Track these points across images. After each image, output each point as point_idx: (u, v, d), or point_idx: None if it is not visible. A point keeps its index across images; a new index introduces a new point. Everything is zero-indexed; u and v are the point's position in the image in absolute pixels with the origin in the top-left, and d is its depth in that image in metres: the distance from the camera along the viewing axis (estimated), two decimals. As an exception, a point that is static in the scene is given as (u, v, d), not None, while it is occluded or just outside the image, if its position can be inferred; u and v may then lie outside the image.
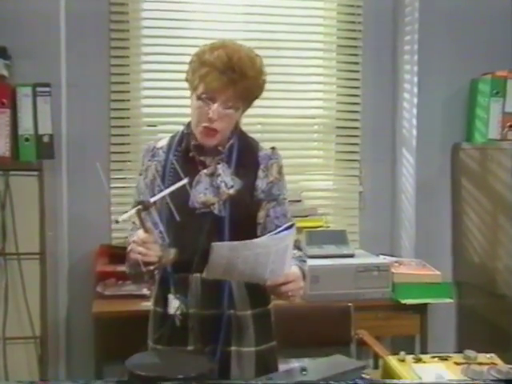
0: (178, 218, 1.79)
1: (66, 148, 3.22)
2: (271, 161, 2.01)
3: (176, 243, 1.85)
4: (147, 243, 1.77)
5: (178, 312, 1.90)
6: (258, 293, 1.94)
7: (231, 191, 1.93)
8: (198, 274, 1.90)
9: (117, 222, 1.74)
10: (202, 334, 1.93)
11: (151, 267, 1.79)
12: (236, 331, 1.95)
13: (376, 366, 2.81)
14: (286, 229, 1.76)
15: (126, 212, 1.73)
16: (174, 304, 1.91)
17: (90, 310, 2.82)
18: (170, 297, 1.92)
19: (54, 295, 3.06)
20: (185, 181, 1.81)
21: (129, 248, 1.88)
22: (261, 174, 1.98)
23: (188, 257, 1.89)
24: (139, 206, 1.72)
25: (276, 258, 1.73)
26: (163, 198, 1.80)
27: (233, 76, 1.85)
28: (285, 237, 1.74)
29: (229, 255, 1.67)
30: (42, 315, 2.75)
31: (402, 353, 1.97)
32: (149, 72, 3.46)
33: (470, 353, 1.97)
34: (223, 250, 1.67)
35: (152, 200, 1.75)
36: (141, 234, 1.78)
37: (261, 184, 1.98)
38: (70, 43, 3.21)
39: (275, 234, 1.75)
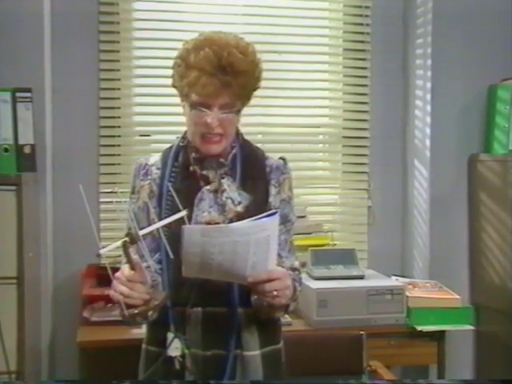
0: (171, 256, 1.59)
1: (50, 159, 3.03)
2: (283, 176, 1.86)
3: (174, 272, 1.67)
4: (132, 282, 1.57)
5: (179, 354, 1.71)
6: (269, 328, 1.78)
7: (239, 208, 1.77)
8: (198, 308, 1.73)
9: (97, 255, 1.54)
10: (202, 378, 1.72)
11: (135, 311, 1.57)
12: (242, 375, 1.75)
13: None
14: (268, 216, 1.59)
15: (107, 246, 1.55)
16: (175, 344, 1.71)
17: (75, 338, 2.63)
18: (170, 335, 1.72)
19: (34, 323, 2.84)
20: (183, 213, 1.61)
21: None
22: (273, 190, 1.84)
23: (188, 288, 1.71)
24: (125, 239, 1.54)
25: (257, 249, 1.57)
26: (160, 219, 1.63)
27: (225, 78, 1.68)
28: (265, 224, 1.58)
29: (202, 242, 1.53)
30: (18, 347, 2.53)
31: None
32: (141, 77, 3.29)
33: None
34: (195, 234, 1.54)
35: (141, 233, 1.56)
36: (126, 270, 1.59)
37: (274, 202, 1.83)
38: (55, 45, 3.04)
39: (255, 219, 1.59)
